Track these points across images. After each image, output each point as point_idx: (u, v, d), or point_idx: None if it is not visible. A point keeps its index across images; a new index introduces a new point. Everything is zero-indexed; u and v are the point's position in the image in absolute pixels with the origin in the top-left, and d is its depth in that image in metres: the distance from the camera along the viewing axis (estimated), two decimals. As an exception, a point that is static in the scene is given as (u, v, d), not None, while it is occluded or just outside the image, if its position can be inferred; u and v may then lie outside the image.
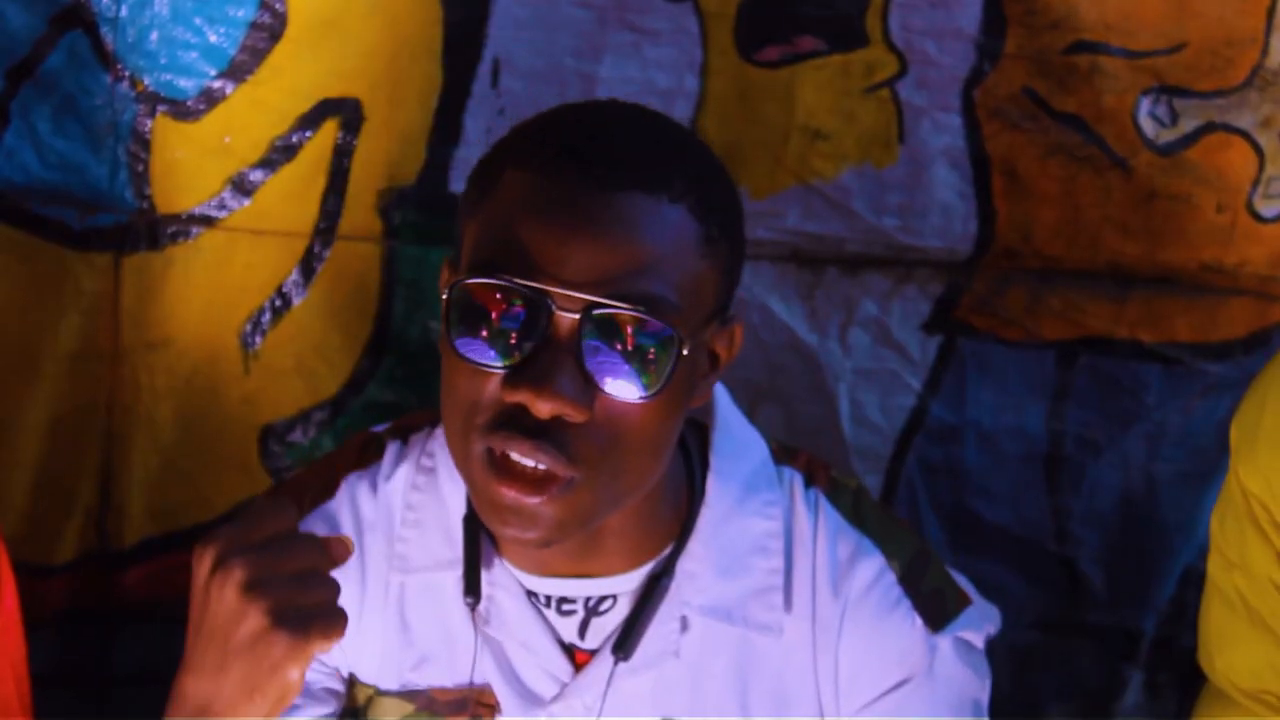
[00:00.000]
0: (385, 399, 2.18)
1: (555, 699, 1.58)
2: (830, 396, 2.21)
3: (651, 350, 1.41)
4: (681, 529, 1.59)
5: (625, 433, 1.43)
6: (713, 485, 1.59)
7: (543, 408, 1.39)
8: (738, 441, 1.63)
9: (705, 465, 1.60)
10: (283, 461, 2.18)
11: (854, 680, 1.59)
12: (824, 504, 1.63)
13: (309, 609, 1.32)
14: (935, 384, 2.22)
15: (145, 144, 2.09)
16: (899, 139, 2.16)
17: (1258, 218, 2.16)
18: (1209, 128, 2.14)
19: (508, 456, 1.42)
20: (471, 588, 1.57)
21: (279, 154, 2.12)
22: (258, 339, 2.15)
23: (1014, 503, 2.23)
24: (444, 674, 1.61)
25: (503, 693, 1.59)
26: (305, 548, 1.34)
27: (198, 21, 2.06)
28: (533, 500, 1.42)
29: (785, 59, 2.13)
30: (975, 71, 2.14)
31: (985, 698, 1.63)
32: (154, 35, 2.06)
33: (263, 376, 2.16)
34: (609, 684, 1.55)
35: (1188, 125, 2.15)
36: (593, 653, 1.58)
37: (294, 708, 1.56)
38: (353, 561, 1.54)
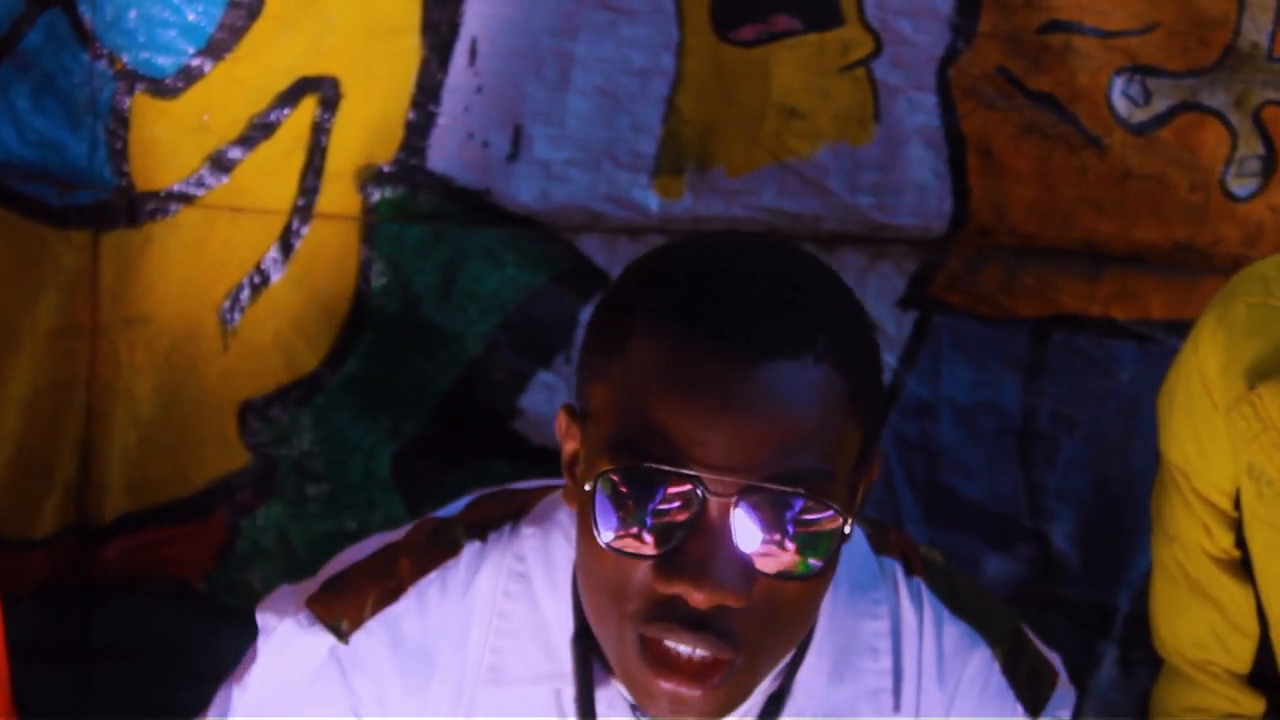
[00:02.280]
0: (364, 375, 2.19)
1: None
2: (806, 373, 2.21)
3: (810, 528, 1.33)
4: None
5: (785, 609, 1.36)
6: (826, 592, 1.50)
7: (701, 599, 1.31)
8: None
9: None
10: (261, 438, 2.19)
11: None
12: (927, 595, 1.56)
13: None
14: (910, 360, 2.23)
15: (124, 122, 2.10)
16: (874, 118, 2.17)
17: (1231, 197, 2.17)
18: (1182, 107, 2.16)
19: (664, 644, 1.35)
20: (588, 712, 1.48)
21: (257, 131, 2.13)
22: (236, 316, 2.16)
23: (989, 478, 2.25)
24: None
25: None
26: None
27: (176, -1, 2.08)
28: (694, 693, 1.35)
29: (761, 38, 2.14)
30: (950, 50, 2.15)
31: None
32: (132, 13, 2.07)
33: (241, 353, 2.17)
34: None
35: (1161, 105, 2.16)
36: None
37: None
38: (417, 674, 1.49)
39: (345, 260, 2.17)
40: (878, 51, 2.15)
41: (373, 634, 1.48)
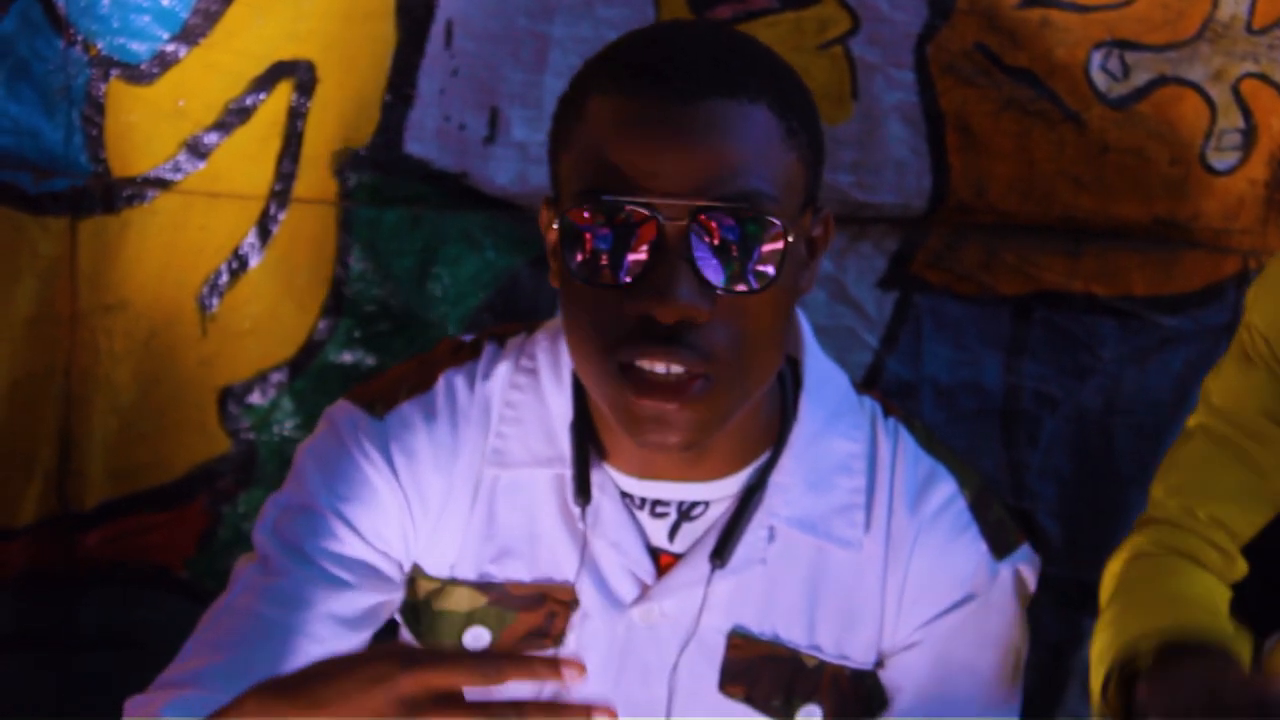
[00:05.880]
0: (342, 360, 2.18)
1: (637, 601, 1.64)
2: (786, 353, 2.21)
3: (759, 242, 1.48)
4: (775, 443, 1.66)
5: (747, 326, 1.50)
6: (804, 405, 1.66)
7: (667, 314, 1.46)
8: (825, 370, 1.70)
9: (797, 388, 1.68)
10: (241, 423, 2.19)
11: (918, 597, 1.67)
12: (902, 431, 1.71)
13: None
14: (891, 340, 2.22)
15: (99, 108, 2.10)
16: (852, 96, 2.16)
17: (1210, 170, 2.16)
18: (1161, 81, 2.15)
19: (641, 369, 1.49)
20: (583, 489, 1.63)
21: (233, 116, 2.13)
22: (215, 301, 2.16)
23: (971, 457, 2.22)
24: (522, 569, 1.66)
25: (585, 592, 1.65)
26: None
27: (150, -15, 2.07)
28: (671, 407, 1.49)
29: (738, 17, 2.13)
30: (928, 27, 2.14)
31: (1025, 654, 1.72)
32: (106, -1, 2.07)
33: (220, 338, 2.17)
34: (708, 586, 1.62)
35: (1140, 79, 2.15)
36: (678, 556, 1.65)
37: (343, 583, 1.62)
38: (445, 451, 1.66)
39: (323, 245, 2.17)
40: (855, 29, 2.14)
41: (406, 414, 1.66)
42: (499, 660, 1.32)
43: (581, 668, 1.32)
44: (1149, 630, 1.58)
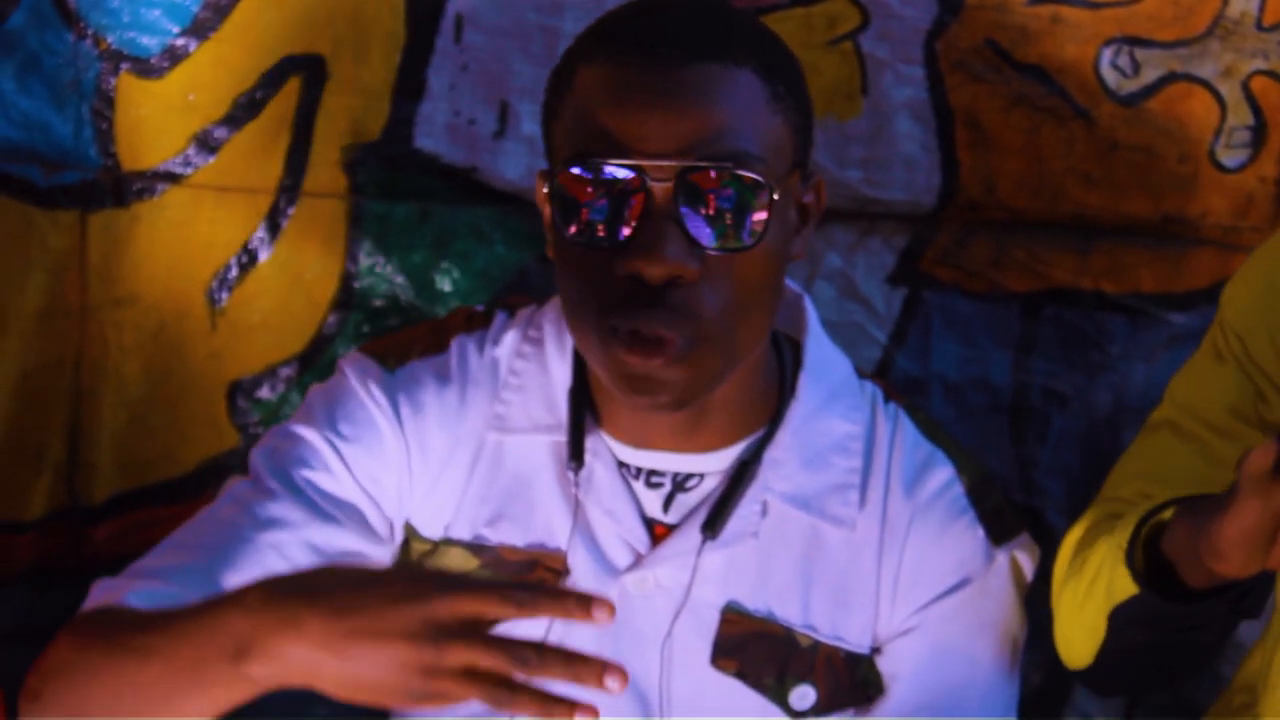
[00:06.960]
0: (352, 355, 2.18)
1: (630, 569, 1.66)
2: (795, 349, 2.21)
3: (745, 201, 1.52)
4: (771, 419, 1.68)
5: (735, 288, 1.53)
6: (804, 384, 1.69)
7: (655, 273, 1.50)
8: (826, 353, 1.74)
9: (798, 367, 1.70)
10: (251, 418, 2.19)
11: (914, 581, 1.69)
12: (903, 416, 1.74)
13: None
14: (900, 337, 2.22)
15: (109, 101, 2.10)
16: (862, 92, 2.16)
17: (1220, 167, 2.16)
18: (1171, 78, 2.15)
19: (632, 328, 1.52)
20: (576, 454, 1.65)
21: (243, 111, 2.13)
22: (224, 295, 2.16)
23: (979, 454, 2.20)
24: (516, 534, 1.68)
25: (578, 559, 1.66)
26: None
27: (160, -21, 2.08)
28: (657, 362, 1.52)
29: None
30: (937, 23, 2.14)
31: (1022, 643, 1.73)
32: (116, -7, 2.07)
33: (230, 333, 2.17)
34: (699, 557, 1.64)
35: (1149, 75, 2.15)
36: (672, 527, 1.67)
37: (326, 515, 1.63)
38: (452, 412, 1.69)
39: (332, 239, 2.17)
40: (865, 25, 2.14)
41: (416, 371, 1.70)
42: (534, 594, 1.31)
43: (611, 608, 1.30)
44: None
